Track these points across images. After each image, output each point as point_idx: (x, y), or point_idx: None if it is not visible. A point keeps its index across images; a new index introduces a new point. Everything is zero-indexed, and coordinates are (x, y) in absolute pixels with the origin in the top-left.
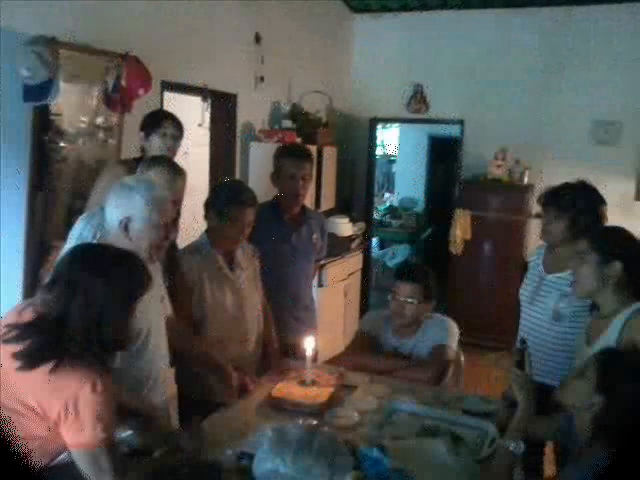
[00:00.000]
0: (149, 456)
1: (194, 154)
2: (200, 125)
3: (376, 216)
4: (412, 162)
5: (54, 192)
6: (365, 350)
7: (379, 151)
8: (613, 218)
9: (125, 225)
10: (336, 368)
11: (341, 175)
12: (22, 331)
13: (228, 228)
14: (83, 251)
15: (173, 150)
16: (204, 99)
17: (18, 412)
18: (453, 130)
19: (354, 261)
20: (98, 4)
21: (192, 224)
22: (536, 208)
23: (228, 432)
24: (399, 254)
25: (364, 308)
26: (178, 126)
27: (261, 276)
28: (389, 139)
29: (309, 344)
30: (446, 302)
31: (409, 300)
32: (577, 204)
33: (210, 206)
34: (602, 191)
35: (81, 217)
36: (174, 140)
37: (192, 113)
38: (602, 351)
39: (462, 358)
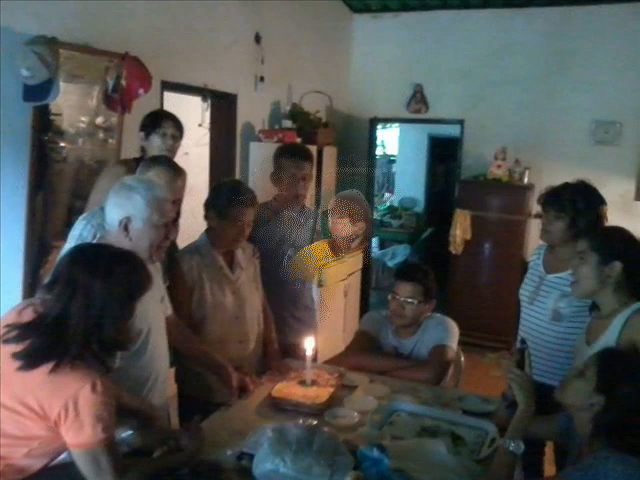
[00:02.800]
0: (149, 456)
1: (194, 154)
2: (200, 125)
3: (376, 216)
4: (412, 162)
5: (54, 192)
6: (365, 350)
7: (379, 151)
8: (613, 218)
9: (125, 225)
10: (336, 368)
11: (341, 175)
12: (22, 331)
13: (228, 228)
14: (83, 251)
15: (173, 150)
16: (204, 99)
17: (18, 412)
18: (453, 130)
19: (354, 261)
20: (98, 4)
21: (192, 224)
22: (536, 208)
23: (228, 432)
24: (399, 254)
25: (364, 308)
26: (178, 126)
27: (261, 276)
28: (389, 139)
29: (309, 344)
30: (446, 302)
31: (409, 300)
32: (577, 204)
33: (210, 206)
34: (602, 191)
35: (81, 217)
36: (174, 140)
37: (192, 113)
38: (602, 351)
39: (462, 358)
